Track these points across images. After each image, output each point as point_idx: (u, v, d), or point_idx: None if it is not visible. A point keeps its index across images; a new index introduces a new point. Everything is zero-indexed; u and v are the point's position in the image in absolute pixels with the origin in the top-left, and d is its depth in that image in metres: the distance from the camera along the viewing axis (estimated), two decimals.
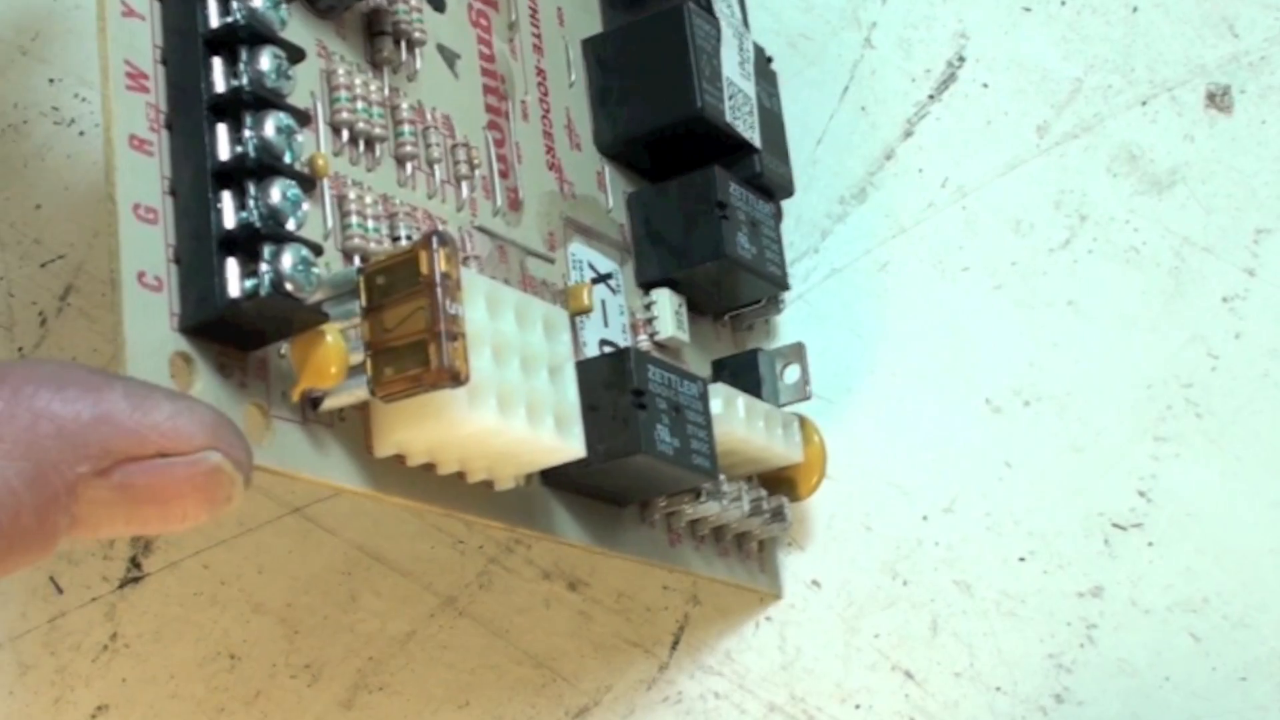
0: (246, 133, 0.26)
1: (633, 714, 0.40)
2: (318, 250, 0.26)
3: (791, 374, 0.38)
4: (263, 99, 0.26)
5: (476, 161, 0.32)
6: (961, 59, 0.41)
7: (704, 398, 0.33)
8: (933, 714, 0.38)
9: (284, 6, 0.27)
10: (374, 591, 0.41)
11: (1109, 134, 0.40)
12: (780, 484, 0.38)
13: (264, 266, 0.25)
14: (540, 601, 0.41)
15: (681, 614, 0.40)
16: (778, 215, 0.38)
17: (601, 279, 0.35)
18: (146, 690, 0.42)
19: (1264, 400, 0.38)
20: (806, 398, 0.38)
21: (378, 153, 0.30)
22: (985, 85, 0.41)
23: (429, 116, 0.31)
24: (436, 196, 0.31)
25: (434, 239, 0.27)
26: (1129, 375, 0.38)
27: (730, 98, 0.37)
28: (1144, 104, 0.39)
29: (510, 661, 0.41)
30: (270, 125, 0.26)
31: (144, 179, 0.26)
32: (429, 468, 0.29)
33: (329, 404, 0.27)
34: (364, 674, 0.42)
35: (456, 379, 0.26)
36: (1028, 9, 0.41)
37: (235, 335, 0.26)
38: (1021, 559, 0.38)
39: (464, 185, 0.32)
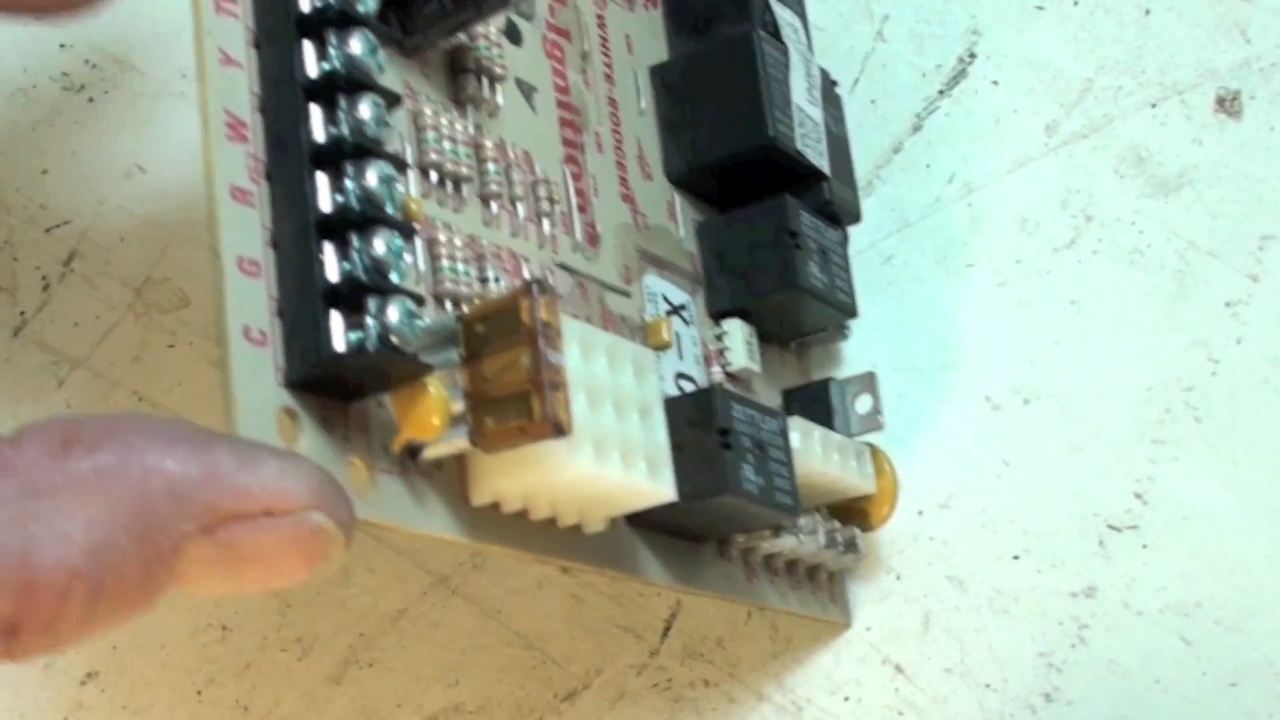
0: (348, 183, 0.26)
1: (622, 699, 0.40)
2: (420, 301, 0.26)
3: (863, 404, 0.38)
4: (363, 148, 0.26)
5: (556, 197, 0.32)
6: (972, 55, 0.41)
7: (784, 433, 0.33)
8: (922, 709, 0.38)
9: (380, 52, 0.27)
10: (367, 568, 0.41)
11: (1118, 135, 0.40)
12: (851, 514, 0.38)
13: (369, 320, 0.25)
14: (533, 583, 0.41)
15: (674, 600, 0.40)
16: (844, 241, 0.38)
17: (675, 311, 0.35)
18: (137, 658, 0.42)
19: (1263, 406, 0.38)
20: (879, 428, 0.38)
21: (464, 193, 0.30)
22: (995, 82, 0.41)
23: (510, 153, 0.31)
24: (520, 235, 0.31)
25: (534, 287, 0.26)
26: (1129, 377, 0.39)
27: (800, 125, 0.37)
28: (1154, 106, 0.39)
29: (501, 642, 0.41)
30: (373, 175, 0.26)
31: (246, 231, 0.25)
32: (522, 514, 0.29)
33: (429, 455, 0.27)
34: (355, 649, 0.42)
35: (560, 430, 0.26)
36: (1040, 7, 0.41)
37: (338, 388, 0.26)
38: (1016, 557, 0.38)
39: (545, 222, 0.32)
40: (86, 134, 0.45)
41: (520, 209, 0.31)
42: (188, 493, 0.23)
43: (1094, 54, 0.40)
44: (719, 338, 0.36)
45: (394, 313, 0.25)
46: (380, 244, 0.25)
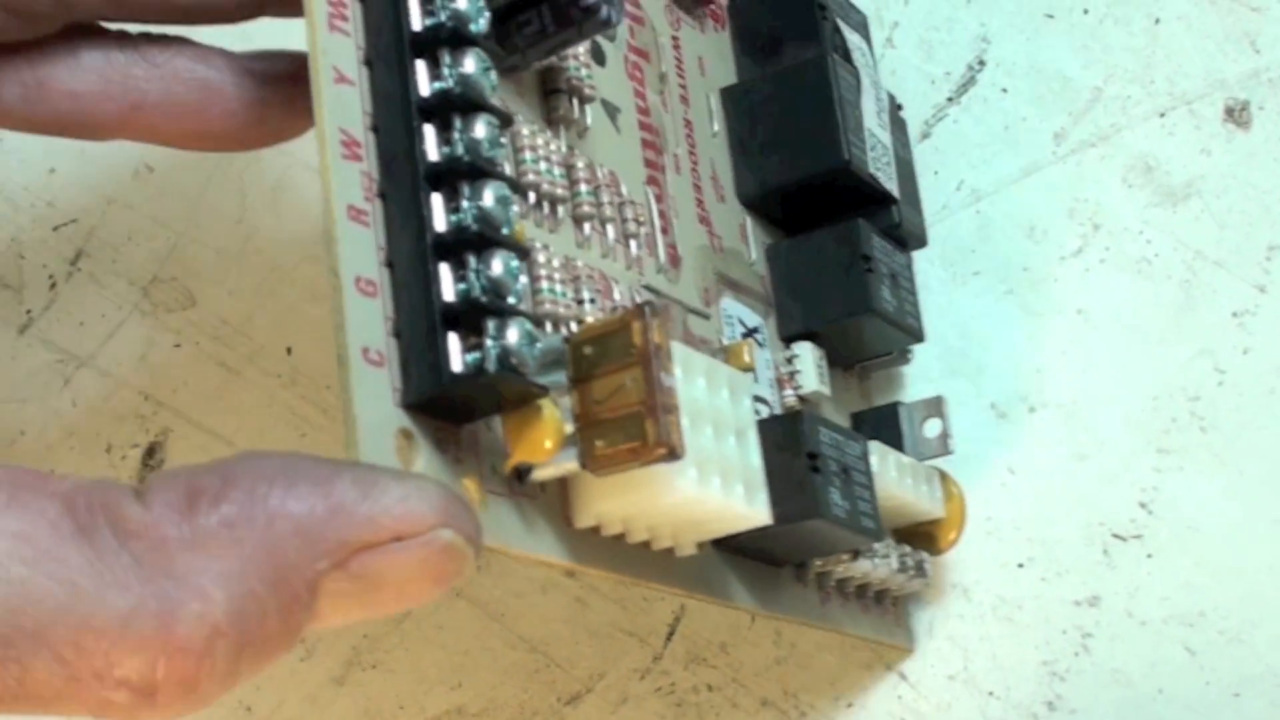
0: (464, 203, 0.26)
1: (625, 703, 0.40)
2: (538, 323, 0.26)
3: (932, 428, 0.38)
4: (479, 168, 0.26)
5: (641, 218, 0.32)
6: (982, 63, 0.41)
7: (866, 458, 0.33)
8: (925, 715, 0.38)
9: (492, 72, 0.27)
10: None
11: (1126, 144, 0.40)
12: (918, 538, 0.38)
13: (488, 341, 0.25)
14: (537, 587, 0.41)
15: (677, 604, 0.40)
16: (910, 265, 0.38)
17: (750, 333, 0.35)
18: None
19: (1269, 417, 0.38)
20: (948, 452, 0.38)
21: (560, 214, 0.30)
22: (1004, 90, 0.41)
23: (599, 174, 0.31)
24: (609, 256, 0.31)
25: (647, 309, 0.26)
26: (1135, 386, 0.39)
27: (871, 148, 0.37)
28: (1162, 116, 0.40)
29: (505, 645, 0.41)
30: (490, 195, 0.26)
31: (363, 251, 0.25)
32: (619, 537, 0.29)
33: (537, 477, 0.27)
34: (358, 651, 0.42)
35: (673, 454, 0.26)
36: (1050, 16, 0.41)
37: (451, 410, 0.26)
38: (1020, 565, 0.38)
39: (632, 243, 0.32)
40: None
41: (610, 230, 0.31)
42: (316, 531, 0.22)
43: (1103, 63, 0.40)
44: (789, 360, 0.36)
45: (513, 334, 0.25)
46: (498, 265, 0.25)
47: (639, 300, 0.32)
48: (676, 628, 0.40)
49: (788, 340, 0.36)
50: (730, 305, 0.35)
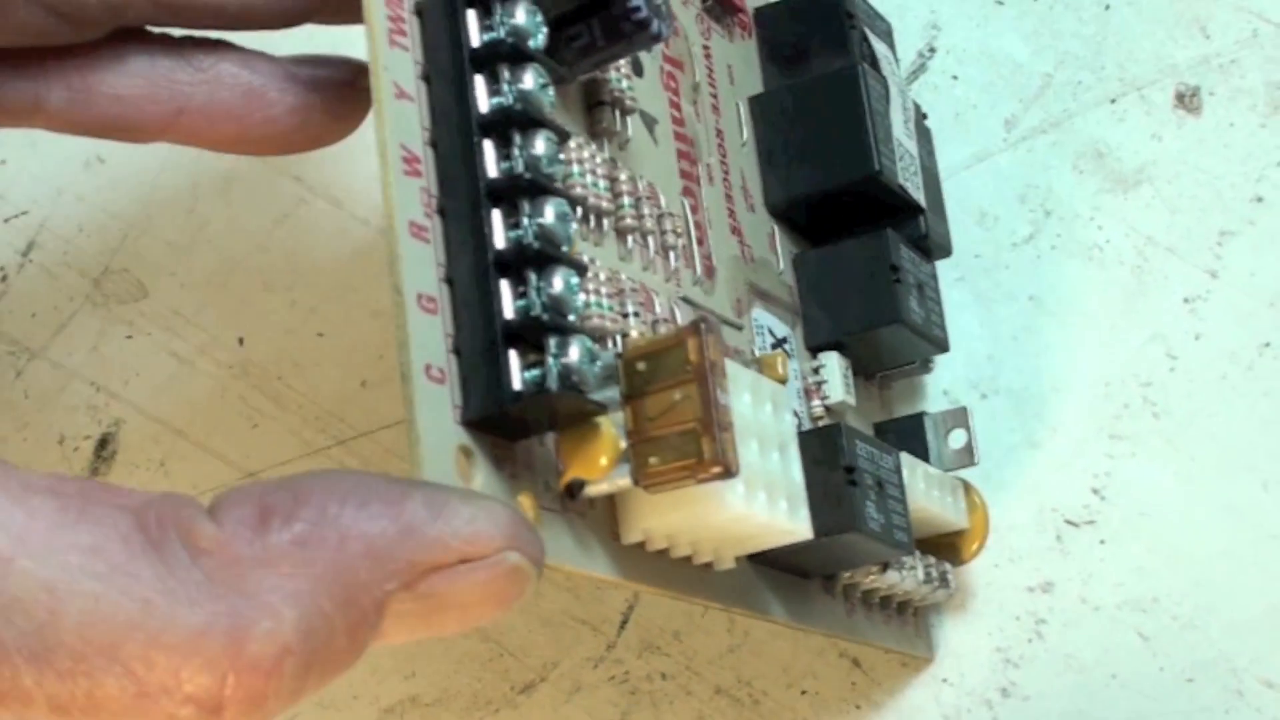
0: (524, 220, 0.26)
1: (579, 691, 0.41)
2: (601, 340, 0.26)
3: (956, 439, 0.38)
4: (539, 184, 0.26)
5: (679, 230, 0.32)
6: (932, 50, 0.41)
7: (899, 470, 0.34)
8: (878, 702, 0.39)
9: (550, 88, 0.27)
10: None
11: (1077, 130, 0.40)
12: (941, 549, 0.38)
13: (549, 359, 0.25)
14: None
15: (630, 593, 0.40)
16: (935, 275, 0.39)
17: (779, 344, 0.35)
18: None
19: (1221, 403, 0.38)
20: (972, 463, 0.38)
21: (604, 227, 0.30)
22: (955, 77, 0.41)
23: (640, 186, 0.31)
24: (650, 269, 0.31)
25: (702, 326, 0.26)
26: (1087, 372, 0.39)
27: (900, 159, 0.37)
28: (1113, 102, 0.40)
29: (458, 634, 0.41)
30: (551, 212, 0.26)
31: (424, 267, 0.25)
32: (663, 552, 0.29)
33: (590, 493, 0.27)
34: None
35: (728, 471, 0.26)
36: (1000, 2, 0.41)
37: (509, 427, 0.26)
38: (976, 549, 0.38)
39: (670, 255, 0.32)
40: None
41: (650, 242, 0.31)
42: (386, 552, 0.23)
43: (1053, 49, 0.41)
44: (816, 370, 0.36)
45: (575, 352, 0.25)
46: (559, 282, 0.25)
47: (676, 311, 0.32)
48: (630, 616, 0.40)
49: (814, 350, 0.37)
50: (761, 315, 0.35)
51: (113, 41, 0.30)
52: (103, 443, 0.45)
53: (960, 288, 0.40)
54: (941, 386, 0.40)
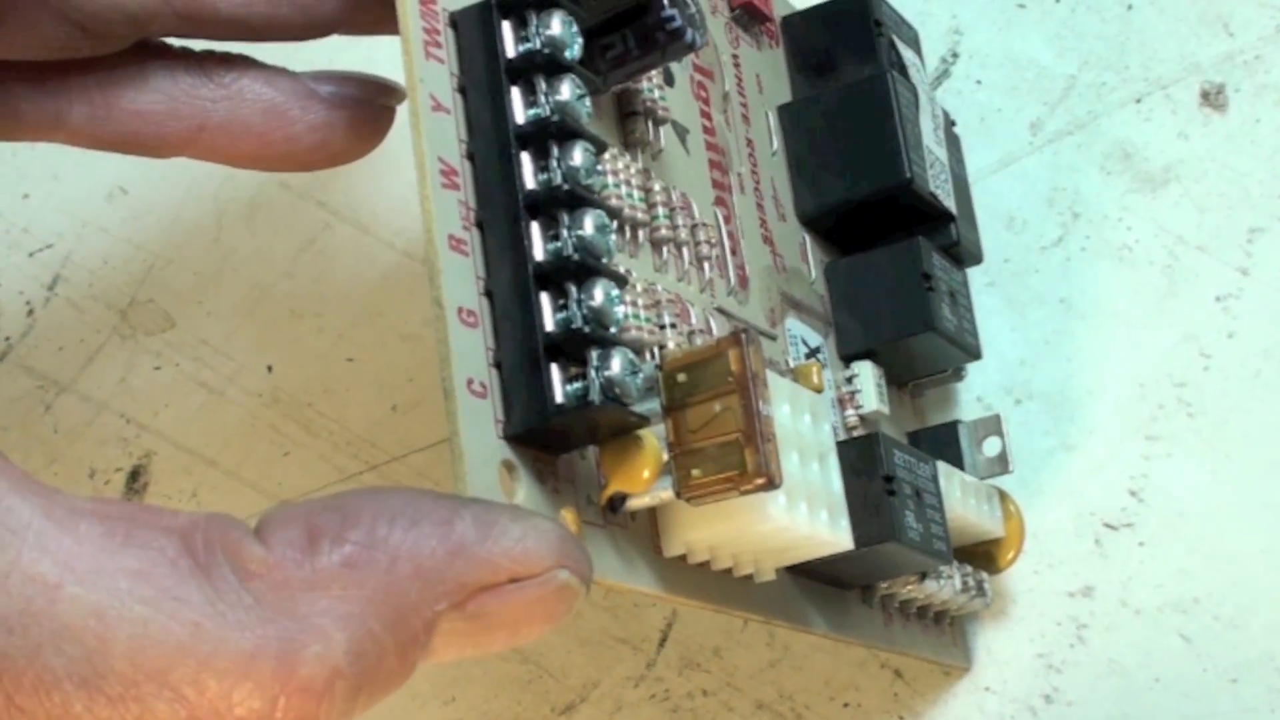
0: (564, 231, 0.26)
1: (620, 711, 0.40)
2: (639, 352, 0.26)
3: (991, 446, 0.38)
4: (578, 196, 0.26)
5: (713, 240, 0.32)
6: (955, 55, 0.41)
7: (936, 479, 0.34)
8: (920, 713, 0.38)
9: (587, 99, 0.27)
10: None
11: (1102, 131, 0.40)
12: (977, 557, 0.38)
13: (592, 372, 0.25)
14: None
15: (669, 610, 0.40)
16: (966, 283, 0.38)
17: (812, 353, 0.35)
18: None
19: (1256, 400, 0.38)
20: (1007, 471, 0.38)
21: (640, 239, 0.30)
22: (979, 82, 0.41)
23: (673, 197, 0.31)
24: (685, 280, 0.31)
25: (743, 336, 0.26)
26: (1121, 374, 0.39)
27: (930, 166, 0.37)
28: (1138, 101, 0.40)
29: (497, 657, 0.41)
30: (590, 223, 0.26)
31: (463, 281, 0.25)
32: (704, 565, 0.29)
33: (632, 506, 0.27)
34: None
35: (771, 483, 0.26)
36: (1022, 5, 0.41)
37: (551, 441, 0.26)
38: (1011, 558, 0.38)
39: (705, 266, 0.32)
40: (68, 157, 0.44)
41: (685, 253, 0.31)
42: (436, 572, 0.23)
43: (1077, 51, 0.41)
44: (849, 380, 0.36)
45: (617, 364, 0.25)
46: (600, 294, 0.25)
47: (712, 322, 0.32)
48: (669, 634, 0.40)
49: (847, 359, 0.37)
50: (794, 325, 0.35)
51: (134, 56, 0.30)
52: (134, 475, 0.45)
53: (991, 293, 0.40)
54: (975, 393, 0.40)
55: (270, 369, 0.44)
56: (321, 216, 0.44)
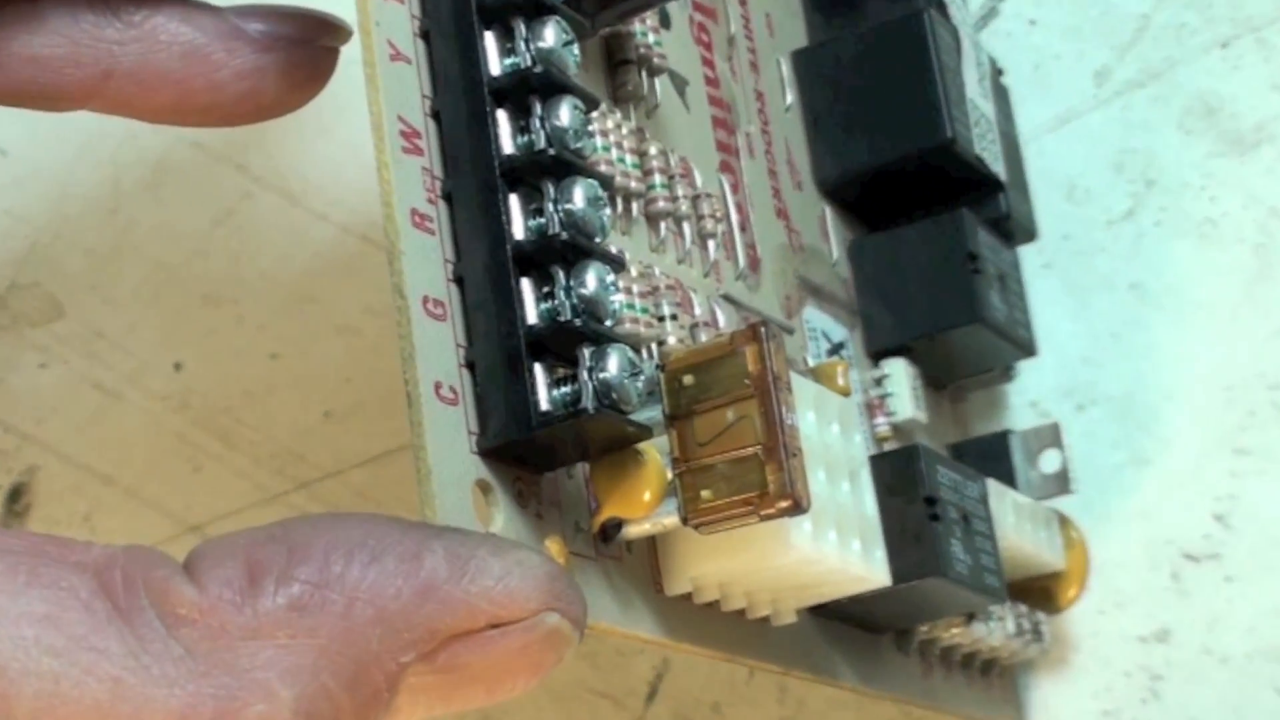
0: (549, 205, 0.26)
1: None
2: (637, 350, 0.26)
3: (1049, 461, 0.39)
4: (566, 162, 0.26)
5: (718, 214, 0.33)
6: None
7: (986, 501, 0.34)
8: None
9: (575, 45, 0.27)
10: None
11: (1181, 83, 0.40)
12: (1032, 594, 0.38)
13: (583, 373, 0.25)
14: None
15: (659, 658, 0.41)
16: (1018, 264, 0.39)
17: (835, 349, 0.36)
18: None
19: None
20: (1068, 492, 0.38)
21: (634, 212, 0.30)
22: (1032, 22, 0.41)
23: (672, 162, 0.32)
24: (685, 261, 0.32)
25: (763, 330, 0.27)
26: (1204, 374, 0.39)
27: (975, 124, 0.37)
28: (1224, 47, 0.40)
29: (451, 716, 0.41)
30: (580, 195, 0.26)
31: (429, 265, 0.26)
32: (713, 605, 0.30)
33: (630, 534, 0.27)
34: None
35: (798, 506, 0.26)
36: None
37: (534, 456, 0.26)
38: (1073, 595, 0.39)
39: (710, 244, 0.32)
40: None
41: (686, 229, 0.32)
42: (401, 618, 0.23)
43: None
44: (879, 381, 0.37)
45: (614, 364, 0.25)
46: (593, 279, 0.26)
47: (717, 311, 0.32)
48: (659, 686, 0.41)
49: (876, 356, 0.37)
50: (813, 316, 0.35)
51: None
52: (14, 494, 0.45)
53: (1047, 277, 0.40)
54: (1028, 397, 0.40)
55: (178, 367, 0.44)
56: (242, 183, 0.44)
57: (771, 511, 0.26)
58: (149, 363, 0.44)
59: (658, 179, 0.31)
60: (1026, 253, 0.40)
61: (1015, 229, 0.39)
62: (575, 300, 0.26)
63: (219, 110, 0.31)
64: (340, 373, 0.43)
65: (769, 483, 0.26)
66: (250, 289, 0.44)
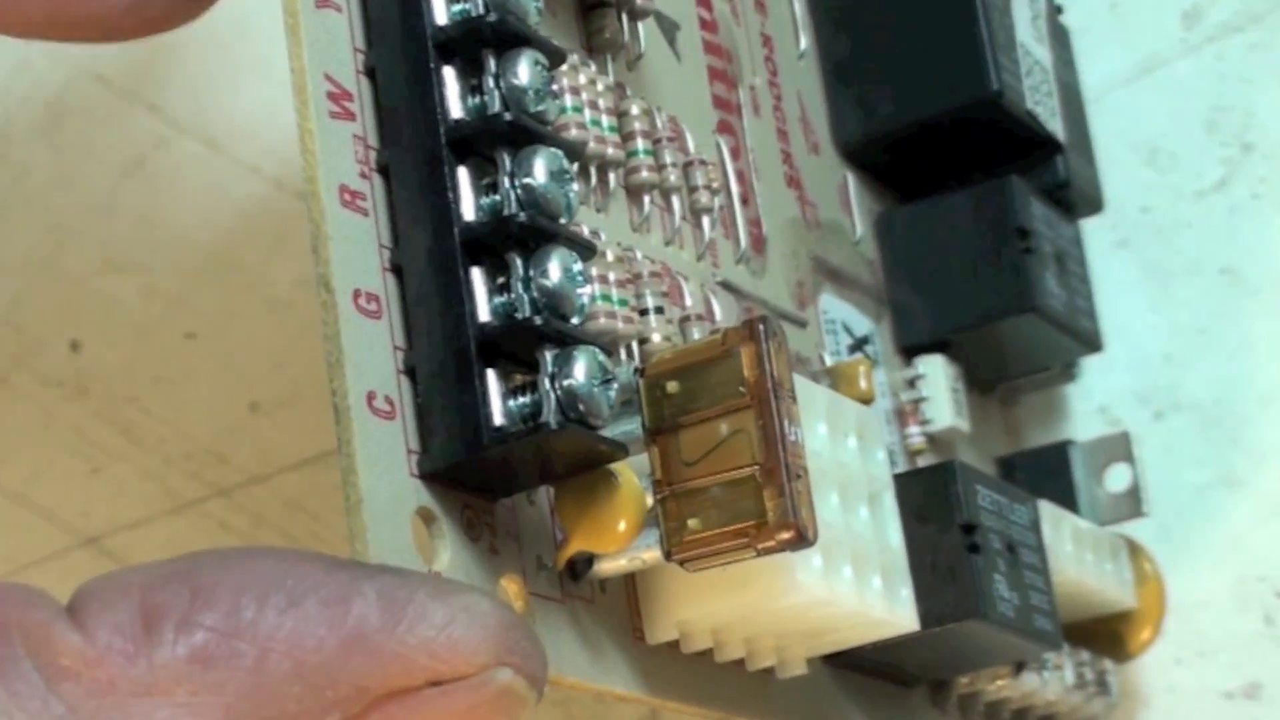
0: (505, 180, 0.26)
1: None
2: (610, 351, 0.27)
3: (1117, 478, 0.39)
4: (525, 128, 0.27)
5: (714, 184, 0.33)
6: None
7: (1038, 527, 0.35)
8: None
9: None
10: None
11: None
12: (1097, 638, 0.39)
13: (545, 381, 0.26)
14: None
15: (648, 711, 0.41)
16: (1079, 241, 0.40)
17: (859, 345, 0.36)
18: None
19: None
20: (1141, 515, 0.39)
21: (611, 184, 0.31)
22: None
23: (658, 123, 0.32)
24: (674, 243, 0.32)
25: (761, 328, 0.27)
26: None
27: (1028, 74, 0.38)
28: None
29: None
30: (541, 169, 0.26)
31: (361, 252, 0.26)
32: (704, 654, 0.30)
33: (603, 571, 0.28)
34: None
35: (802, 538, 0.27)
36: None
37: (489, 480, 0.27)
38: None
39: (705, 221, 0.33)
40: None
41: (676, 204, 0.32)
42: (324, 673, 0.23)
43: None
44: (912, 383, 0.37)
45: (581, 369, 0.26)
46: (556, 268, 0.26)
47: (714, 302, 0.33)
48: None
49: (908, 353, 0.38)
50: (832, 305, 0.36)
51: None
52: None
53: (1120, 257, 0.41)
54: (1094, 402, 0.40)
55: (75, 346, 0.44)
56: (155, 128, 0.44)
57: (771, 544, 0.27)
58: (39, 341, 0.44)
59: (640, 144, 0.31)
60: (1093, 228, 0.40)
61: (1076, 199, 0.39)
62: (535, 293, 0.26)
63: (101, 22, 0.31)
64: (270, 356, 0.43)
65: (768, 510, 0.27)
66: (163, 254, 0.44)
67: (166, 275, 0.44)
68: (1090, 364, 0.40)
